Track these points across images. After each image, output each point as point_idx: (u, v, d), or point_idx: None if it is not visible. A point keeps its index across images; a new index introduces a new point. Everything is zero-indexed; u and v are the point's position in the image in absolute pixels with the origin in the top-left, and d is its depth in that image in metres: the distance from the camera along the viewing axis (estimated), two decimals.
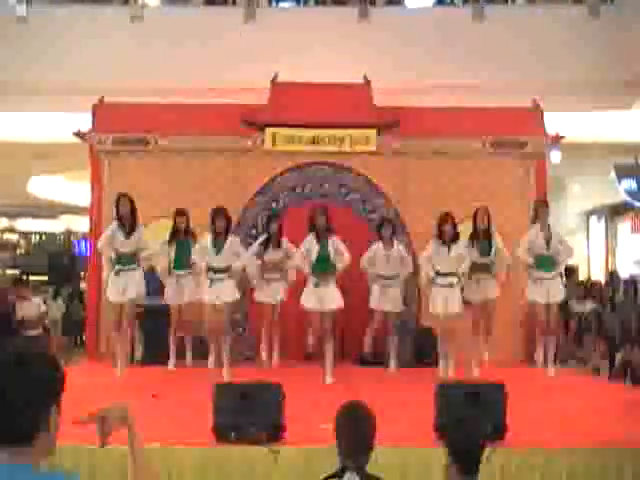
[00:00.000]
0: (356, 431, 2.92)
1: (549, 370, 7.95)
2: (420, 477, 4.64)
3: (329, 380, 7.50)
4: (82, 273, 16.54)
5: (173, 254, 8.19)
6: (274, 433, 4.86)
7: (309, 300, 7.67)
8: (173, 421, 5.57)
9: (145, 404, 6.40)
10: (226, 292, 7.69)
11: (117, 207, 7.87)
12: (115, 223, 7.87)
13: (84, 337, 11.86)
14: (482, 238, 8.07)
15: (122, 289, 7.77)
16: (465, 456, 3.05)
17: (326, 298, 7.64)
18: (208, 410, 4.95)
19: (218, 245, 7.68)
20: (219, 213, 7.71)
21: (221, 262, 7.67)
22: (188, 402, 6.25)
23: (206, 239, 7.76)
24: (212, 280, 7.64)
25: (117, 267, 7.84)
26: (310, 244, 7.72)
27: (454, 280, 7.76)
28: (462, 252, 7.79)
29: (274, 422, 4.90)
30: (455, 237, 7.81)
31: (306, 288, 7.74)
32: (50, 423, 1.74)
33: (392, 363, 8.30)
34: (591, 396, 6.98)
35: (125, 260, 7.82)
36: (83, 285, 14.71)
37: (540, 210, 8.13)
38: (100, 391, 6.99)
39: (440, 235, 7.81)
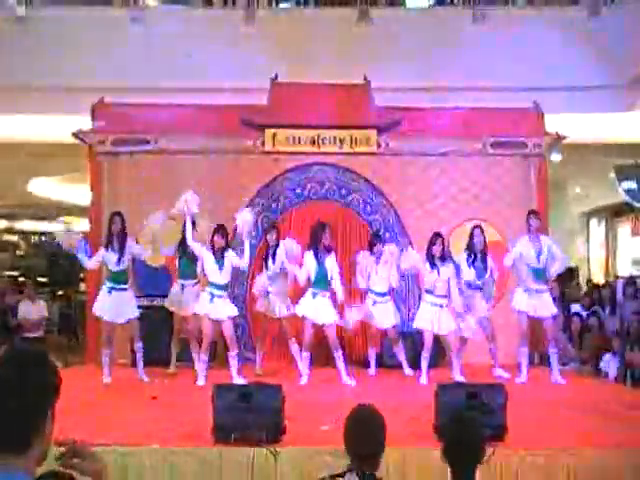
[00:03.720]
0: (365, 436, 2.90)
1: (555, 376, 7.89)
2: (420, 477, 4.63)
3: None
4: (82, 274, 16.54)
5: (178, 263, 8.23)
6: (274, 434, 4.86)
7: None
8: (173, 422, 5.57)
9: (145, 405, 6.40)
10: (226, 308, 7.73)
11: (110, 225, 7.84)
12: (103, 250, 7.84)
13: (79, 338, 11.90)
14: (480, 259, 7.97)
15: (116, 311, 7.76)
16: (459, 458, 3.02)
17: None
18: (208, 411, 4.95)
19: (219, 262, 7.70)
20: (218, 231, 7.74)
21: (222, 279, 7.71)
22: (188, 403, 6.24)
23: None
24: (213, 296, 7.67)
25: (109, 285, 7.82)
26: (310, 262, 7.79)
27: (444, 302, 7.78)
28: (450, 275, 7.76)
29: (274, 423, 4.89)
30: (443, 258, 7.81)
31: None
32: (46, 428, 1.72)
33: (405, 367, 8.26)
34: (591, 396, 6.98)
35: (117, 278, 7.80)
36: (83, 286, 14.71)
37: (530, 220, 7.97)
38: (101, 392, 7.00)
39: (429, 255, 7.80)
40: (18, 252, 21.29)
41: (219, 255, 7.70)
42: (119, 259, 7.76)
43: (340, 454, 3.07)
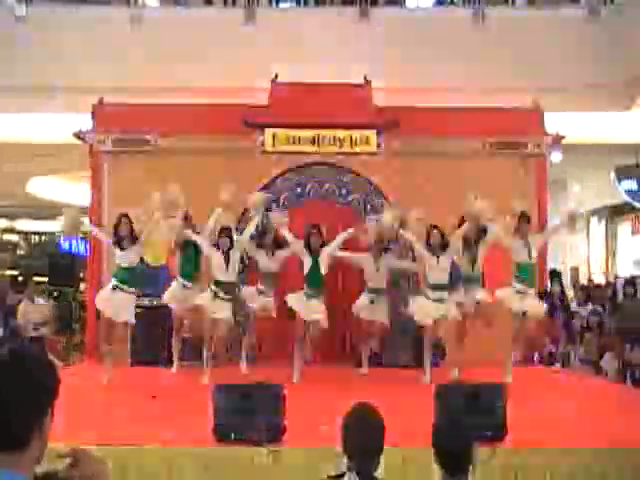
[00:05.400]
0: (365, 434, 2.89)
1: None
2: (420, 477, 4.63)
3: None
4: (82, 274, 16.52)
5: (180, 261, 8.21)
6: (274, 433, 4.86)
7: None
8: (173, 422, 5.56)
9: (145, 405, 6.40)
10: (227, 310, 7.73)
11: (116, 228, 7.71)
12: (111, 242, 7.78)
13: (75, 337, 11.89)
14: (472, 247, 7.90)
15: (116, 310, 7.67)
16: (447, 458, 3.02)
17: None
18: (208, 411, 4.95)
19: (225, 262, 7.71)
20: (222, 232, 7.76)
21: (229, 277, 7.73)
22: (188, 402, 6.24)
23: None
24: (216, 294, 7.67)
25: (114, 282, 7.73)
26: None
27: (444, 295, 7.73)
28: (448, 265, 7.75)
29: (274, 422, 4.89)
30: (444, 246, 7.77)
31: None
32: (44, 428, 1.71)
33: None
34: (591, 396, 6.98)
35: (123, 276, 7.70)
36: (83, 286, 14.72)
37: (521, 222, 7.89)
38: (101, 392, 7.00)
39: (428, 243, 7.77)
40: (18, 252, 21.28)
41: (225, 256, 7.71)
42: (127, 254, 7.67)
43: (340, 454, 3.07)
